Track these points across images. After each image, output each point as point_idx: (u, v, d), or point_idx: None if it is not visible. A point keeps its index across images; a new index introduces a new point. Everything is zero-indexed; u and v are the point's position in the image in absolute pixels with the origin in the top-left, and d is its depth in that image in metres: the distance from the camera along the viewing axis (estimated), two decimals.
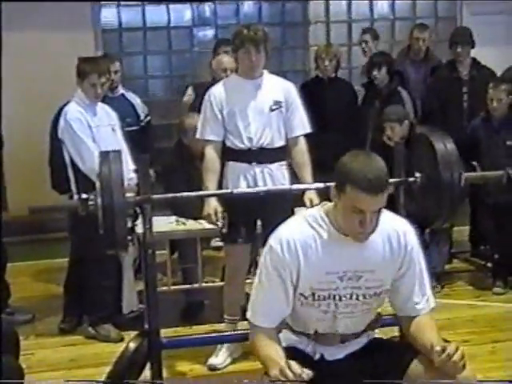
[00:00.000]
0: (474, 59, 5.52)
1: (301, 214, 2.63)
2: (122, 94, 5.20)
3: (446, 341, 2.58)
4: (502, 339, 4.18)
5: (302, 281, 2.47)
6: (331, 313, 2.53)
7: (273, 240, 2.50)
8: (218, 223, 3.75)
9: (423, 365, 2.44)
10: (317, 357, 2.60)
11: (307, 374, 2.26)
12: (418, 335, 2.51)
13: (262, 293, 2.52)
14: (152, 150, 5.16)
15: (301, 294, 2.50)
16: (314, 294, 2.49)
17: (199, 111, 3.98)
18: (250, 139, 3.75)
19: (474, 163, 4.62)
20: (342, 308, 2.52)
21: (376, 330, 2.75)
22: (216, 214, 3.71)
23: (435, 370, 2.36)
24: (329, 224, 2.47)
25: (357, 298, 2.52)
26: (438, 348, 2.31)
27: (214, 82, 4.26)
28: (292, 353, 2.50)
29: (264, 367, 2.42)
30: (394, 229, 2.53)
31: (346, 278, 2.48)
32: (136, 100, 5.29)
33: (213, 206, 3.70)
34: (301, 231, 2.48)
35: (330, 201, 2.51)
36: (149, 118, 5.35)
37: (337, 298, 2.50)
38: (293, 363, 2.27)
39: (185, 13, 7.37)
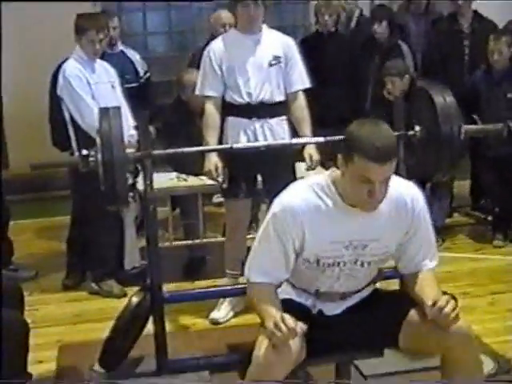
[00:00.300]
0: (475, 12, 5.47)
1: (308, 180, 2.56)
2: (121, 51, 5.17)
3: (445, 293, 2.61)
4: (502, 291, 4.23)
5: (307, 248, 2.46)
6: (335, 275, 2.54)
7: (276, 206, 2.47)
8: (219, 179, 3.76)
9: (420, 315, 2.45)
10: (315, 311, 2.62)
11: (301, 327, 2.27)
12: (417, 290, 2.52)
13: (261, 253, 2.52)
14: (152, 106, 5.14)
15: (305, 260, 2.50)
16: (318, 261, 2.49)
17: (198, 67, 3.96)
18: (250, 94, 3.74)
19: (475, 116, 4.61)
20: (347, 271, 2.53)
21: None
22: (217, 169, 3.72)
23: (431, 320, 2.38)
24: (335, 193, 2.44)
25: (361, 265, 2.52)
26: (429, 302, 2.33)
27: (214, 37, 4.23)
28: (290, 305, 2.53)
29: (261, 320, 2.44)
30: (401, 194, 2.50)
31: (352, 246, 2.47)
32: (135, 56, 5.25)
33: (213, 161, 3.71)
34: (306, 199, 2.44)
35: (334, 163, 2.45)
36: (148, 74, 5.32)
37: (341, 264, 2.50)
38: (287, 316, 2.27)
39: None
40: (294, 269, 2.53)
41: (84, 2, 6.33)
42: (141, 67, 5.24)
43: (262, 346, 2.35)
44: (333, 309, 2.62)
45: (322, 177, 2.52)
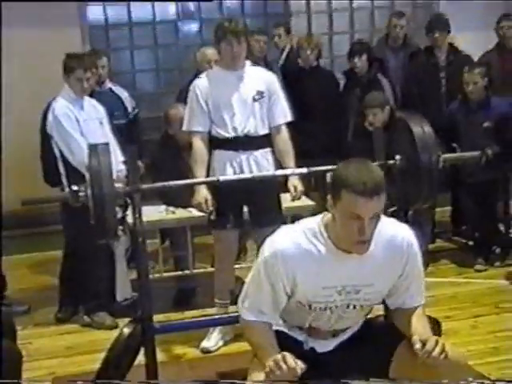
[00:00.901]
0: (450, 45, 5.53)
1: (299, 224, 2.49)
2: (110, 89, 5.20)
3: (429, 317, 2.61)
4: (483, 313, 4.25)
5: (298, 293, 2.42)
6: (326, 317, 2.50)
7: (267, 250, 2.42)
8: (208, 211, 3.77)
9: (410, 348, 2.38)
10: (307, 347, 2.57)
11: (301, 367, 2.22)
12: (405, 325, 2.47)
13: (253, 295, 2.48)
14: (140, 142, 5.17)
15: (297, 301, 2.46)
16: (310, 305, 2.46)
17: (185, 102, 3.99)
18: (235, 128, 3.77)
19: (454, 145, 4.65)
20: (339, 313, 2.49)
21: None
22: (206, 202, 3.74)
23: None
24: (327, 239, 2.38)
25: (354, 307, 2.49)
26: (417, 346, 2.27)
27: (199, 73, 4.26)
28: (283, 338, 2.50)
29: (258, 358, 2.39)
30: (395, 238, 2.46)
31: (345, 292, 2.43)
32: (123, 94, 5.28)
33: (203, 194, 3.72)
34: (297, 244, 2.39)
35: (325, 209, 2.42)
36: (136, 110, 5.35)
37: (333, 308, 2.46)
38: (288, 355, 2.23)
39: (169, 7, 7.34)
40: (285, 308, 2.50)
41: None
42: (129, 104, 5.27)
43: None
44: (324, 346, 2.58)
45: (313, 221, 2.46)
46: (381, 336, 2.60)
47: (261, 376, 2.30)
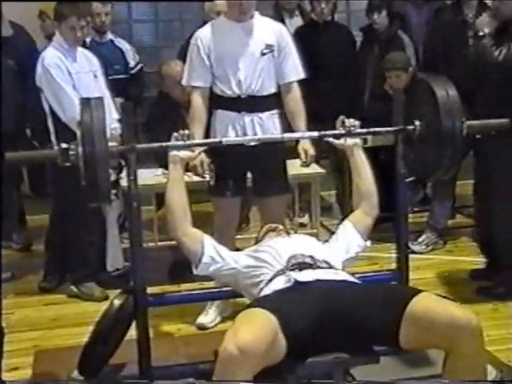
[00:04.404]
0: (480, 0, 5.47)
1: None
2: (111, 40, 5.15)
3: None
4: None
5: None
6: None
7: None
8: (205, 175, 3.76)
9: (419, 307, 2.49)
10: (291, 283, 2.75)
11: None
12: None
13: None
14: (141, 99, 5.13)
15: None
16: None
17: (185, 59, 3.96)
18: (240, 86, 3.73)
19: None
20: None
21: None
22: (202, 165, 3.72)
23: (433, 311, 2.46)
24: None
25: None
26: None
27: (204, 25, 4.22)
28: (275, 296, 2.70)
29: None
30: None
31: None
32: (125, 46, 5.23)
33: (199, 156, 3.70)
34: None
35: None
36: (140, 65, 5.29)
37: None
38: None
39: None
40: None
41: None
42: (131, 58, 5.22)
43: (227, 340, 2.44)
44: (306, 277, 2.74)
45: None
46: (384, 296, 2.65)
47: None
